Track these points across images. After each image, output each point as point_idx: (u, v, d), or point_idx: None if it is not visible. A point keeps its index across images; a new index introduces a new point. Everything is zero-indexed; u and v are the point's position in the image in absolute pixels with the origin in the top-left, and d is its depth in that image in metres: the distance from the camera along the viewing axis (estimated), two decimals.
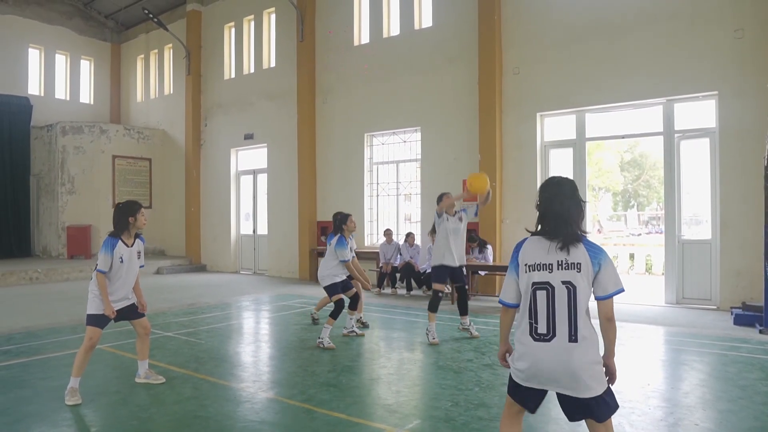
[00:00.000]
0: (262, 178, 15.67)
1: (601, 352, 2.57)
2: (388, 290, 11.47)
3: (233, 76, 16.36)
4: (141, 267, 5.06)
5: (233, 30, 16.41)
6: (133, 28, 19.88)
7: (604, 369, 2.52)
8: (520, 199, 10.72)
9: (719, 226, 8.86)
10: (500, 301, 2.71)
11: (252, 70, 15.88)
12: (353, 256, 7.47)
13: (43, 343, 6.78)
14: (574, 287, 2.45)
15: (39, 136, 17.50)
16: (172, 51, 18.36)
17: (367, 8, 13.27)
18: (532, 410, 2.59)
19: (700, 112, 9.27)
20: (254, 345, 6.96)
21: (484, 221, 10.82)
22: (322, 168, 14.03)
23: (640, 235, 28.62)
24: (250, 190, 16.18)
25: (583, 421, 2.55)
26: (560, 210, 2.51)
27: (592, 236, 11.06)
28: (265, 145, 15.33)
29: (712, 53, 8.84)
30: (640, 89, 9.49)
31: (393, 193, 13.07)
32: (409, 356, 6.33)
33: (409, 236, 11.55)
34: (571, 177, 8.85)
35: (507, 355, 2.75)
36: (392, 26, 12.94)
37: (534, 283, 2.49)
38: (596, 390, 2.43)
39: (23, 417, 4.24)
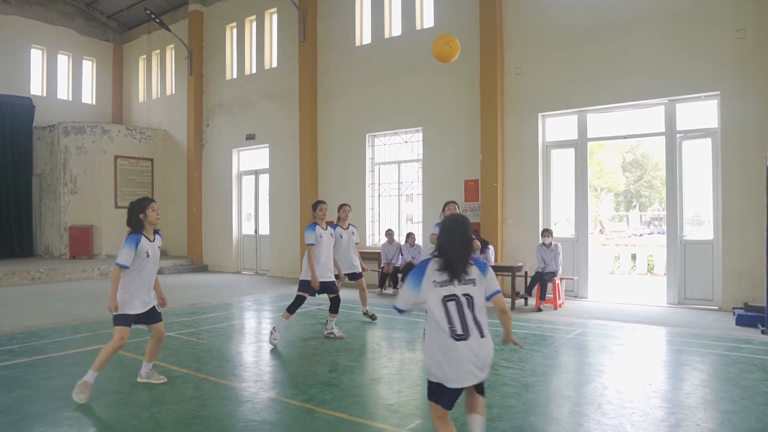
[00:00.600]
0: (264, 179, 15.68)
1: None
2: (390, 290, 11.46)
3: (235, 76, 16.37)
4: None
5: (235, 30, 16.42)
6: (135, 28, 19.91)
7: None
8: (522, 199, 10.72)
9: (721, 227, 8.84)
10: (397, 308, 3.20)
11: (254, 71, 15.89)
12: (356, 242, 7.91)
13: (44, 343, 6.79)
14: (472, 297, 3.05)
15: (41, 136, 17.53)
16: (174, 51, 18.39)
17: (369, 8, 13.27)
18: (451, 408, 3.13)
19: (701, 112, 9.26)
20: (256, 345, 6.96)
21: (486, 222, 10.81)
22: (323, 168, 14.04)
23: (641, 235, 28.57)
24: (251, 190, 16.19)
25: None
26: (455, 253, 3.07)
27: (593, 237, 11.05)
28: (267, 145, 15.34)
29: (713, 53, 8.83)
30: (641, 89, 9.48)
31: (394, 193, 13.07)
32: (410, 356, 6.33)
33: (410, 236, 11.55)
34: (573, 178, 8.79)
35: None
36: (394, 26, 12.94)
37: (445, 297, 3.03)
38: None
39: (25, 417, 4.25)
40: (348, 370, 5.55)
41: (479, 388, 3.18)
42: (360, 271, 8.06)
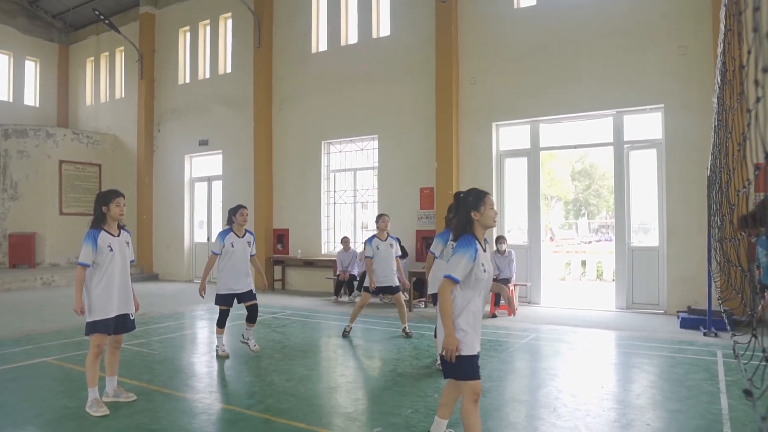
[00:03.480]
0: (217, 185, 15.39)
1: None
2: (345, 298, 11.41)
3: (188, 81, 16.04)
4: (132, 261, 4.82)
5: (188, 34, 16.10)
6: (82, 29, 19.25)
7: None
8: None
9: (666, 234, 9.22)
10: (454, 278, 3.25)
11: (207, 76, 15.61)
12: (398, 255, 7.67)
13: None
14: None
15: None
16: (123, 54, 17.87)
17: (325, 15, 13.26)
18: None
19: (647, 124, 9.65)
20: (209, 355, 6.79)
21: (442, 228, 10.89)
22: (278, 175, 13.89)
23: (590, 242, 29.45)
24: (204, 197, 15.84)
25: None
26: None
27: (545, 244, 11.32)
28: (221, 151, 15.07)
29: (658, 68, 9.23)
30: (591, 101, 9.82)
31: (350, 200, 13.05)
32: (367, 364, 6.31)
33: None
34: (526, 186, 8.99)
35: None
36: (350, 34, 12.97)
37: (483, 264, 3.31)
38: None
39: None
40: (305, 379, 5.48)
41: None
42: (396, 284, 7.59)
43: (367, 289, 7.57)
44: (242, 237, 6.43)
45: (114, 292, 4.53)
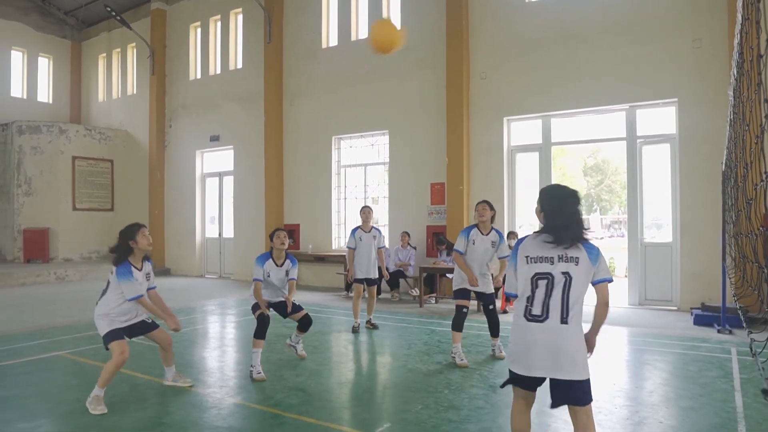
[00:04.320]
0: (228, 181, 15.44)
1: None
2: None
3: (199, 76, 16.08)
4: (153, 288, 4.91)
5: (199, 30, 16.14)
6: (94, 26, 19.37)
7: (588, 356, 2.85)
8: None
9: (679, 230, 9.11)
10: (510, 294, 3.02)
11: (218, 71, 15.64)
12: (380, 246, 7.43)
13: None
14: (571, 277, 2.79)
15: None
16: (135, 50, 17.96)
17: (336, 10, 13.23)
18: (534, 389, 2.88)
19: (661, 118, 9.53)
20: (220, 350, 6.83)
21: (452, 224, 10.87)
22: (289, 171, 13.90)
23: (602, 238, 29.25)
24: (215, 192, 15.91)
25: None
26: (568, 219, 2.87)
27: None
28: (232, 147, 15.11)
29: (671, 62, 9.11)
30: (603, 96, 9.71)
31: (361, 196, 13.03)
32: (377, 359, 6.30)
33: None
34: (537, 181, 8.87)
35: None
36: (360, 29, 12.93)
37: (537, 274, 2.83)
38: (580, 374, 2.73)
39: None
40: (315, 374, 5.48)
41: (576, 395, 2.74)
42: (375, 277, 7.66)
43: (358, 281, 7.68)
44: (281, 266, 5.88)
45: (124, 317, 4.72)
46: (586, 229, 2.87)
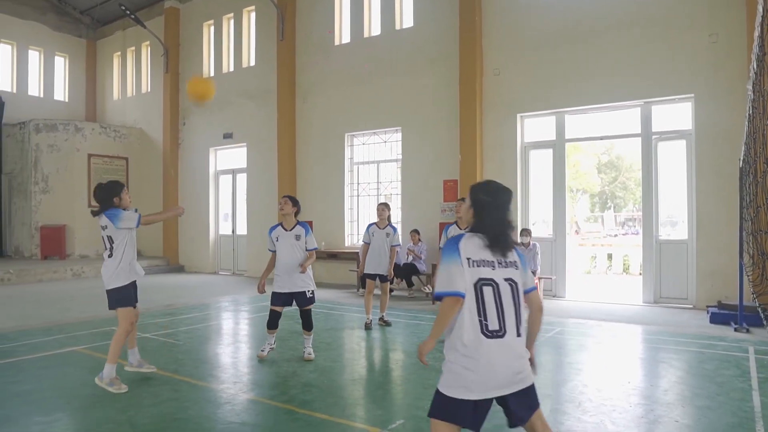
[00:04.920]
0: (242, 178, 15.51)
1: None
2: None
3: (212, 74, 16.16)
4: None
5: (212, 28, 16.22)
6: (109, 24, 19.54)
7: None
8: None
9: (695, 227, 9.01)
10: (450, 293, 2.45)
11: (231, 69, 15.71)
12: (392, 244, 7.51)
13: (13, 346, 6.59)
14: (516, 283, 2.52)
15: (11, 133, 17.08)
16: (149, 48, 18.09)
17: (348, 8, 13.23)
18: (478, 428, 2.43)
19: (676, 114, 9.42)
20: (234, 346, 6.87)
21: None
22: (302, 168, 13.94)
23: (616, 236, 29.03)
24: (229, 189, 16.00)
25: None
26: (505, 218, 2.60)
27: (570, 237, 11.18)
28: (245, 144, 15.18)
29: (688, 57, 8.99)
30: (618, 91, 9.61)
31: (373, 193, 13.04)
32: (390, 356, 6.30)
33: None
34: (550, 178, 8.84)
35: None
36: (373, 26, 12.91)
37: (481, 279, 2.46)
38: (532, 378, 2.53)
39: None
40: (328, 371, 5.50)
41: (533, 400, 2.51)
42: (385, 274, 7.67)
43: (368, 276, 7.72)
44: (290, 230, 6.06)
45: (134, 263, 4.99)
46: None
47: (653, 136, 9.55)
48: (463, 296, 2.43)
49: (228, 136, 15.52)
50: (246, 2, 15.18)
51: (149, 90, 18.11)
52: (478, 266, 2.47)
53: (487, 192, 2.63)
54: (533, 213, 10.92)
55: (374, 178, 13.03)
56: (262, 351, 5.98)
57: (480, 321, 2.41)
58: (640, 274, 10.53)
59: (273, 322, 5.95)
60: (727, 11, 8.67)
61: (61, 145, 16.40)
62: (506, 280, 2.49)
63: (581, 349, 6.49)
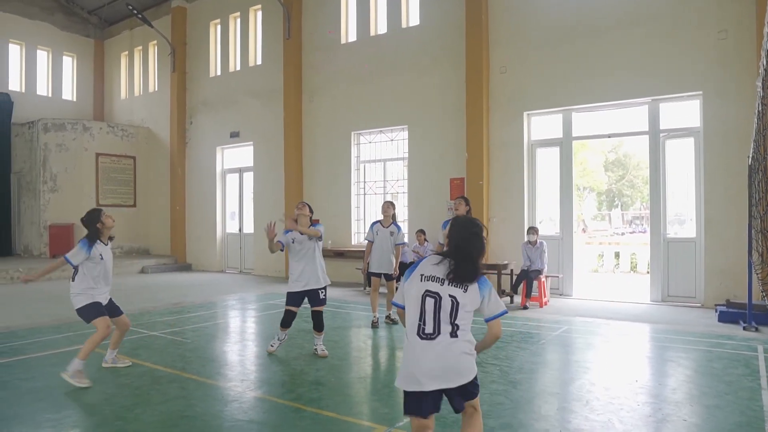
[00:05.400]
0: (248, 177, 15.55)
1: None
2: None
3: (219, 73, 16.21)
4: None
5: (219, 27, 16.26)
6: (116, 24, 19.62)
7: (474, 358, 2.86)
8: (507, 197, 10.75)
9: (704, 225, 8.96)
10: (398, 305, 3.00)
11: (238, 68, 15.75)
12: (397, 243, 7.49)
13: (24, 344, 6.65)
14: (458, 302, 2.79)
15: (20, 133, 17.20)
16: (156, 48, 18.16)
17: (354, 6, 13.22)
18: (428, 413, 2.78)
19: (684, 111, 9.37)
20: (241, 344, 6.90)
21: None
22: (308, 166, 13.96)
23: (623, 234, 28.86)
24: (235, 188, 16.04)
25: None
26: (468, 253, 2.88)
27: (577, 235, 11.13)
28: (251, 143, 15.21)
29: (696, 54, 8.94)
30: (625, 89, 9.57)
31: (380, 191, 13.04)
32: (397, 354, 6.30)
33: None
34: (557, 176, 8.83)
35: None
36: (379, 24, 12.91)
37: (427, 291, 2.82)
38: (469, 377, 2.78)
39: (4, 419, 4.15)
40: (335, 369, 5.51)
41: (459, 401, 2.83)
42: (390, 272, 7.67)
43: (373, 275, 7.78)
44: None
45: (100, 287, 5.25)
46: (479, 268, 2.89)
47: (661, 134, 9.50)
48: (402, 308, 2.92)
49: (235, 135, 15.56)
50: (252, 1, 15.21)
51: (156, 89, 18.19)
52: (427, 280, 2.84)
53: (455, 227, 3.00)
54: (540, 211, 10.88)
55: (381, 177, 13.03)
56: (272, 346, 6.14)
57: (419, 324, 2.79)
58: (648, 272, 10.48)
59: (288, 322, 6.06)
60: (737, 7, 8.60)
61: (70, 145, 16.50)
62: (450, 296, 2.78)
63: (588, 348, 6.47)
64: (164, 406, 4.41)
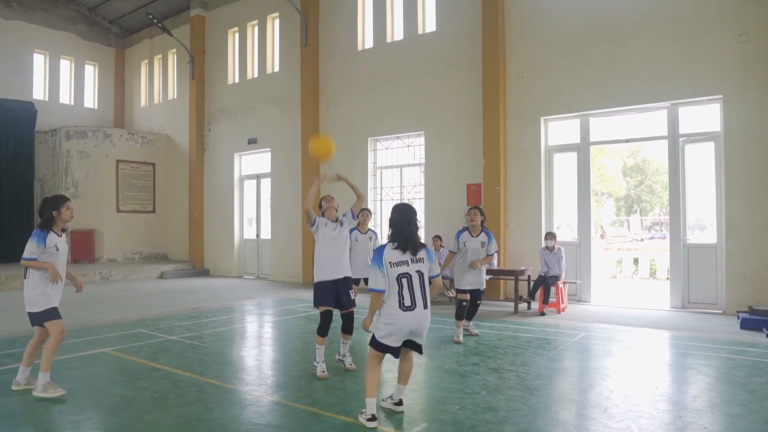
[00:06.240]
0: (266, 183, 15.68)
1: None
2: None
3: (237, 81, 16.39)
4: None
5: (237, 35, 16.45)
6: (137, 33, 19.96)
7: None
8: (525, 203, 10.70)
9: (725, 231, 8.82)
10: (376, 290, 4.01)
11: (256, 75, 15.91)
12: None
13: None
14: (422, 273, 4.06)
15: (43, 140, 17.55)
16: (175, 56, 18.42)
17: (371, 13, 13.30)
18: (397, 356, 4.13)
19: (704, 116, 9.25)
20: (258, 349, 6.94)
21: (489, 225, 10.74)
22: (325, 172, 13.99)
23: (642, 240, 28.52)
24: (253, 194, 16.18)
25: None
26: (411, 232, 4.09)
27: (595, 241, 11.02)
28: (269, 149, 15.34)
29: (715, 57, 8.83)
30: (644, 93, 9.48)
31: (397, 197, 13.05)
32: (414, 360, 6.28)
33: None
34: (575, 182, 8.85)
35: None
36: (396, 31, 12.96)
37: (400, 274, 3.99)
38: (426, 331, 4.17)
39: (26, 421, 4.23)
40: (352, 374, 5.52)
41: (417, 347, 4.12)
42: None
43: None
44: (335, 221, 6.04)
45: (57, 285, 4.95)
46: (419, 239, 4.14)
47: (680, 139, 9.40)
48: (383, 292, 3.98)
49: (252, 142, 15.70)
50: (270, 9, 15.37)
51: (175, 97, 18.44)
52: (398, 266, 3.99)
53: (396, 212, 4.16)
54: (558, 217, 10.81)
55: (397, 183, 13.04)
56: (323, 372, 5.40)
57: (400, 300, 3.96)
58: (668, 278, 10.34)
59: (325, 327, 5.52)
60: (757, 9, 8.50)
61: (91, 152, 16.78)
62: (417, 272, 4.02)
63: (607, 354, 6.40)
64: (183, 409, 4.45)
